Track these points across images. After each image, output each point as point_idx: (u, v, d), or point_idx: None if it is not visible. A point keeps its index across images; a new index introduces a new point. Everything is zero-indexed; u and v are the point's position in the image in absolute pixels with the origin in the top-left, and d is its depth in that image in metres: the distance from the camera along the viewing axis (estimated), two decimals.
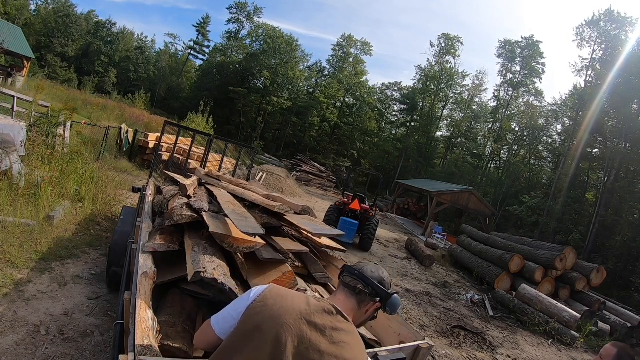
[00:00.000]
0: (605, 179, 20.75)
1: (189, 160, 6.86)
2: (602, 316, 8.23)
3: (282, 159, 31.54)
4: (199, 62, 51.64)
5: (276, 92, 41.80)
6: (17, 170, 5.11)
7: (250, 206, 3.15)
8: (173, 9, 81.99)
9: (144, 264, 1.91)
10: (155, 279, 1.86)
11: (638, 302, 12.79)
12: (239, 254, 2.20)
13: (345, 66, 43.97)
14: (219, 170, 5.62)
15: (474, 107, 40.00)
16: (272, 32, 42.77)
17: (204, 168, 4.82)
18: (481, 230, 14.42)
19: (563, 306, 7.27)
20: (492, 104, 39.10)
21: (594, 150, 23.66)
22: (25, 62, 22.81)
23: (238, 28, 46.53)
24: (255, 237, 2.24)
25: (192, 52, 51.08)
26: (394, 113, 45.87)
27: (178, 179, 3.84)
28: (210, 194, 3.32)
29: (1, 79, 18.49)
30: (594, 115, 21.65)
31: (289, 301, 1.13)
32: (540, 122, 30.59)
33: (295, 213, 3.29)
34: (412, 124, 41.27)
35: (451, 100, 40.45)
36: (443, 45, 39.83)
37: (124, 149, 11.28)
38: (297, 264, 2.57)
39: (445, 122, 41.53)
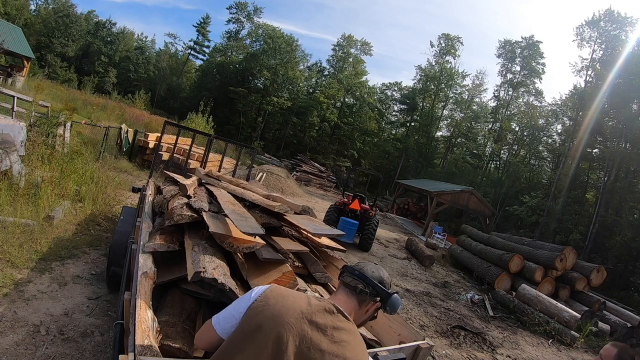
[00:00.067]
0: (605, 179, 20.74)
1: (189, 160, 6.86)
2: (602, 316, 8.23)
3: (282, 159, 31.55)
4: (199, 62, 51.75)
5: (276, 92, 41.81)
6: (17, 170, 5.11)
7: (250, 206, 3.15)
8: (173, 9, 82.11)
9: (144, 264, 1.91)
10: (155, 279, 1.86)
11: (638, 302, 12.79)
12: (239, 254, 2.20)
13: (345, 66, 43.98)
14: (219, 170, 5.62)
15: (474, 107, 40.00)
16: (272, 32, 42.78)
17: (204, 168, 4.81)
18: (481, 230, 14.43)
19: (563, 306, 7.27)
20: (492, 104, 39.21)
21: (594, 150, 23.65)
22: (25, 62, 22.81)
23: (238, 28, 46.64)
24: (255, 237, 2.24)
25: (192, 52, 51.11)
26: (394, 113, 45.92)
27: (178, 179, 3.84)
28: (210, 194, 3.32)
29: (1, 79, 18.49)
30: (594, 115, 21.64)
31: (290, 301, 1.13)
32: (540, 122, 30.58)
33: (295, 213, 3.29)
34: (412, 124, 41.28)
35: (451, 100, 40.45)
36: (443, 45, 39.86)
37: (124, 149, 11.28)
38: (297, 264, 2.57)
39: (445, 122, 41.56)
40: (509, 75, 37.15)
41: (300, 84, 44.25)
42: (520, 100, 36.88)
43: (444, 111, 41.01)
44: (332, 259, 3.10)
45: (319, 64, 46.45)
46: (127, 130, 11.59)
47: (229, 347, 1.07)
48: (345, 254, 5.09)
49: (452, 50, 39.71)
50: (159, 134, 7.63)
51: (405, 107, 42.61)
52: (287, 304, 1.11)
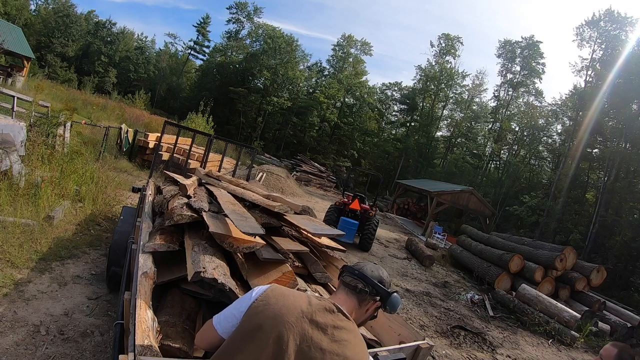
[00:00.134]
0: (605, 179, 20.75)
1: (189, 160, 6.86)
2: (602, 316, 8.23)
3: (282, 159, 31.54)
4: (199, 62, 51.74)
5: (276, 92, 41.81)
6: (17, 170, 5.11)
7: (250, 206, 3.15)
8: (173, 9, 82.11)
9: (144, 264, 1.91)
10: (155, 279, 1.86)
11: (638, 302, 12.79)
12: (239, 254, 2.20)
13: (345, 66, 43.98)
14: (219, 170, 5.62)
15: (474, 107, 40.00)
16: (272, 32, 42.76)
17: (204, 168, 4.81)
18: (481, 230, 14.43)
19: (563, 306, 7.27)
20: (492, 104, 39.19)
21: (594, 150, 23.67)
22: (25, 62, 22.81)
23: (238, 28, 46.62)
24: (255, 237, 2.24)
25: (192, 52, 51.09)
26: (394, 113, 45.92)
27: (178, 179, 3.84)
28: (210, 194, 3.32)
29: (1, 79, 18.49)
30: (594, 115, 21.65)
31: (291, 300, 1.14)
32: (540, 122, 30.58)
33: (295, 213, 3.29)
34: (412, 124, 41.27)
35: (451, 100, 40.44)
36: (443, 45, 39.85)
37: (124, 149, 11.28)
38: (297, 264, 2.57)
39: (445, 122, 41.55)
40: (509, 75, 37.17)
41: (300, 84, 44.24)
42: (520, 100, 36.88)
43: (444, 111, 41.02)
44: (332, 259, 3.10)
45: (319, 64, 46.54)
46: (127, 130, 11.59)
47: (229, 346, 1.07)
48: (345, 254, 5.08)
49: (452, 50, 39.70)
50: (159, 134, 7.63)
51: (405, 107, 42.61)
52: (288, 303, 1.12)
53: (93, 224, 5.34)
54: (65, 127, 7.81)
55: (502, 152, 35.96)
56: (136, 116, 21.18)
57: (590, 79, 25.62)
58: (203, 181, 3.93)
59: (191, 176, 4.29)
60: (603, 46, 25.17)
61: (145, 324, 1.41)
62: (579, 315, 7.02)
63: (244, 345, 1.04)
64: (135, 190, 5.18)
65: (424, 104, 40.64)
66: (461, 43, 39.79)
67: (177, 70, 49.28)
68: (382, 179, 14.33)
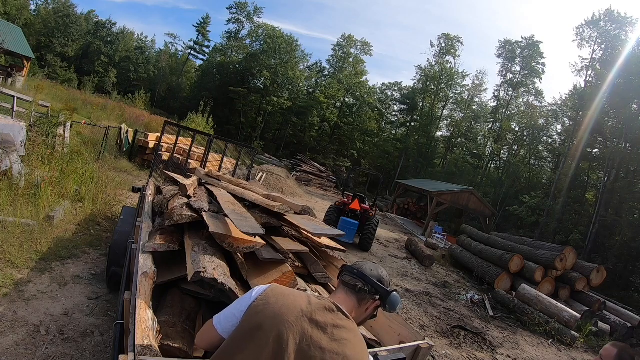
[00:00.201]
0: (605, 179, 20.75)
1: (189, 160, 6.86)
2: (602, 316, 8.23)
3: (282, 159, 31.54)
4: (199, 62, 51.73)
5: (276, 92, 41.81)
6: (17, 170, 5.11)
7: (250, 206, 3.15)
8: (173, 9, 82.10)
9: (144, 264, 1.91)
10: (155, 279, 1.86)
11: (638, 302, 12.79)
12: (239, 254, 2.20)
13: (345, 66, 43.98)
14: (219, 170, 5.62)
15: (474, 107, 40.00)
16: (272, 32, 42.77)
17: (204, 168, 4.81)
18: (481, 230, 14.43)
19: (563, 306, 7.27)
20: (492, 104, 39.19)
21: (594, 150, 23.67)
22: (25, 62, 22.81)
23: (238, 28, 46.61)
24: (255, 237, 2.24)
25: (192, 52, 51.09)
26: (394, 113, 45.92)
27: (178, 179, 3.84)
28: (210, 194, 3.32)
29: (1, 79, 18.49)
30: (594, 115, 21.65)
31: (291, 299, 1.14)
32: (540, 122, 30.59)
33: (295, 213, 3.29)
34: (412, 124, 41.27)
35: (451, 100, 40.45)
36: (443, 45, 39.86)
37: (124, 149, 11.28)
38: (297, 264, 2.57)
39: (445, 122, 41.56)
40: (509, 75, 37.17)
41: (300, 84, 44.25)
42: (520, 100, 36.88)
43: (444, 111, 41.03)
44: (332, 259, 3.10)
45: (319, 64, 46.53)
46: (127, 130, 11.59)
47: (229, 346, 1.07)
48: (345, 254, 5.08)
49: (452, 50, 39.70)
50: (159, 134, 7.63)
51: (405, 107, 42.60)
52: (288, 302, 1.12)
53: (93, 224, 5.34)
54: (65, 127, 7.82)
55: (502, 152, 35.97)
56: (136, 116, 21.18)
57: (590, 79, 25.63)
58: (203, 181, 3.93)
59: (191, 176, 4.29)
60: (603, 46, 25.17)
61: (145, 324, 1.41)
62: (579, 315, 7.02)
63: (244, 345, 1.04)
64: (135, 190, 5.18)
65: (424, 104, 40.64)
66: (461, 43, 39.85)
67: (177, 70, 49.28)
68: (382, 179, 14.33)
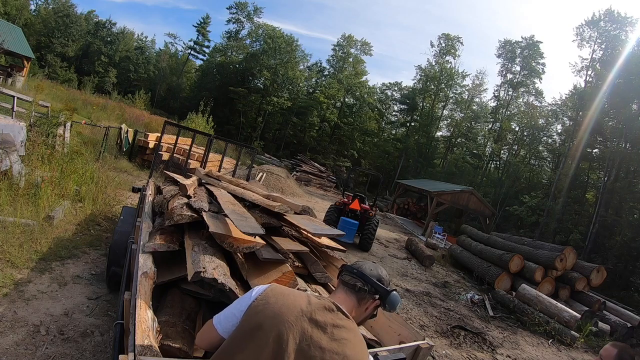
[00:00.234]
0: (605, 179, 20.75)
1: (189, 160, 6.86)
2: (602, 316, 8.23)
3: (282, 159, 31.54)
4: (199, 62, 51.73)
5: (276, 92, 41.81)
6: (17, 170, 5.11)
7: (250, 206, 3.15)
8: (173, 9, 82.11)
9: (144, 264, 1.91)
10: (155, 279, 1.86)
11: (638, 302, 12.79)
12: (239, 254, 2.20)
13: (345, 66, 43.98)
14: (219, 170, 5.62)
15: (474, 107, 40.00)
16: (272, 32, 42.77)
17: (204, 168, 4.81)
18: (481, 230, 14.43)
19: (563, 306, 7.27)
20: (492, 104, 39.19)
21: (594, 150, 23.67)
22: (25, 62, 22.81)
23: (238, 28, 46.62)
24: (255, 237, 2.24)
25: (192, 52, 51.09)
26: (394, 113, 45.92)
27: (178, 179, 3.84)
28: (210, 194, 3.32)
29: (1, 79, 18.49)
30: (594, 115, 21.65)
31: (291, 299, 1.14)
32: (540, 122, 30.59)
33: (295, 213, 3.29)
34: (412, 124, 41.27)
35: (451, 100, 40.45)
36: (443, 45, 39.86)
37: (124, 149, 11.28)
38: (297, 264, 2.57)
39: (445, 122, 41.56)
40: (509, 75, 37.17)
41: (300, 84, 44.24)
42: (520, 100, 36.88)
43: (444, 111, 41.03)
44: (332, 259, 3.10)
45: (319, 64, 46.54)
46: (127, 130, 11.59)
47: (229, 346, 1.07)
48: (345, 254, 5.08)
49: (452, 50, 39.70)
50: (159, 134, 7.63)
51: (405, 107, 42.61)
52: (288, 302, 1.12)
53: (93, 224, 5.34)
54: (65, 127, 7.82)
55: (502, 152, 35.98)
56: (136, 116, 21.18)
57: (590, 79, 25.63)
58: (203, 181, 3.93)
59: (191, 176, 4.29)
60: (603, 46, 25.17)
61: (145, 324, 1.41)
62: (579, 315, 7.02)
63: (244, 345, 1.04)
64: (135, 190, 5.18)
65: (424, 104, 40.64)
66: (461, 43, 39.85)
67: (177, 70, 49.28)
68: (382, 179, 14.33)
